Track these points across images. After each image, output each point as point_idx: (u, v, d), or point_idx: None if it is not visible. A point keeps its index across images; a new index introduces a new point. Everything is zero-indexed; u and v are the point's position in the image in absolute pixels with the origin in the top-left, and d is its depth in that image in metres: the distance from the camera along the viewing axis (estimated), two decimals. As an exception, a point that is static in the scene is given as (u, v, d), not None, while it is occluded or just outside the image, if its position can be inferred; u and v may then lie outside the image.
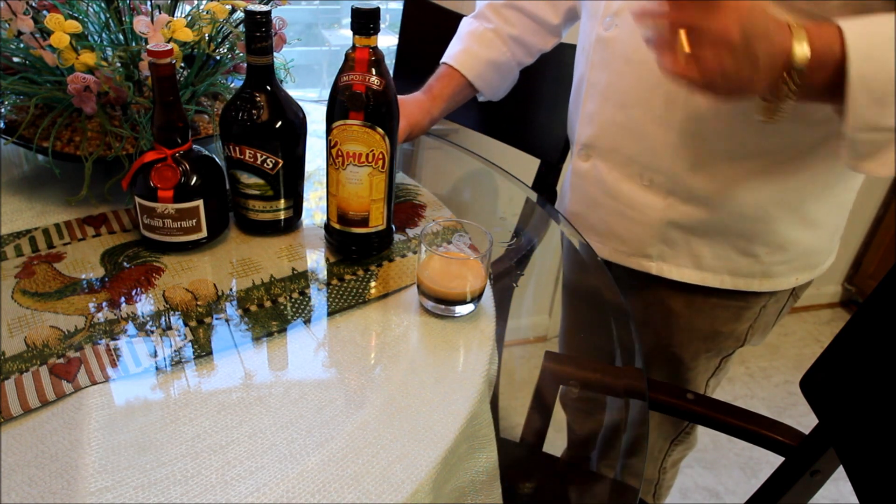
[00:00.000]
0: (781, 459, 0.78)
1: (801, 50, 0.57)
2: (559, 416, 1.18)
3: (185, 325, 0.63)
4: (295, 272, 0.72)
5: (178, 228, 0.70)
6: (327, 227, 0.75)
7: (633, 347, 0.78)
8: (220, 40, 0.84)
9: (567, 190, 0.96)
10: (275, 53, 0.76)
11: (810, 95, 0.61)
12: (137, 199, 0.69)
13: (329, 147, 0.69)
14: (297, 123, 0.73)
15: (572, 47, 0.97)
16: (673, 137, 0.77)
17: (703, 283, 0.86)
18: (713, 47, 0.56)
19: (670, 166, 0.79)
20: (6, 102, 0.81)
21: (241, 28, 0.82)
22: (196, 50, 0.80)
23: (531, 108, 1.21)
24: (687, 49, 0.57)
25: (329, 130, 0.68)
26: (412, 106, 0.92)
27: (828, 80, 0.59)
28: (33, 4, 0.76)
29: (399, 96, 0.83)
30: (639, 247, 0.87)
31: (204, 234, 0.72)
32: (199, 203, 0.70)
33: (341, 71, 0.66)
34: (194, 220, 0.70)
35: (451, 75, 0.97)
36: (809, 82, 0.59)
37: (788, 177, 0.76)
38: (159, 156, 0.68)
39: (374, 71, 0.65)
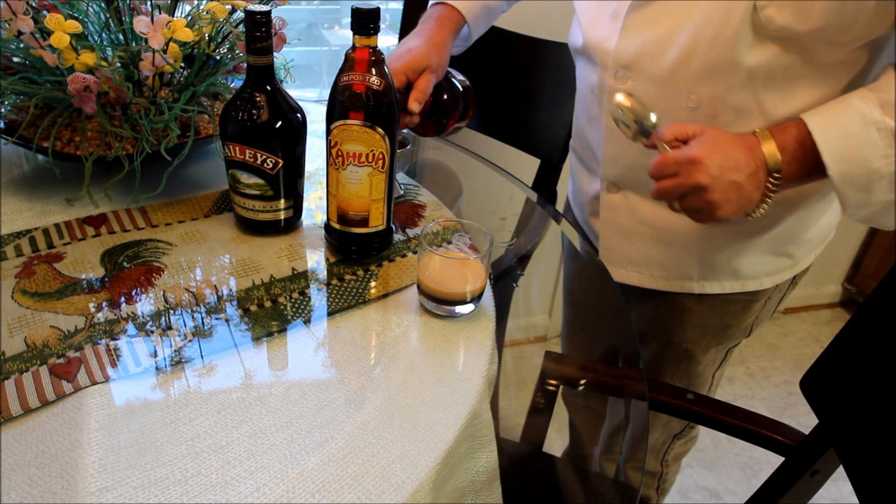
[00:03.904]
0: (781, 459, 0.78)
1: (772, 151, 0.67)
2: (559, 416, 1.18)
3: (185, 325, 0.63)
4: (295, 272, 0.72)
5: (445, 135, 0.92)
6: (327, 227, 0.76)
7: (634, 347, 0.78)
8: (220, 40, 0.85)
9: (592, 219, 0.95)
10: (275, 53, 0.76)
11: (796, 181, 0.69)
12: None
13: (329, 147, 0.69)
14: (297, 123, 0.73)
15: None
16: None
17: (744, 290, 0.87)
18: (696, 198, 0.67)
19: None
20: (6, 102, 0.81)
21: (241, 28, 0.82)
22: (196, 50, 0.80)
23: (531, 108, 1.20)
24: (679, 210, 0.70)
25: (329, 130, 0.68)
26: (431, 48, 0.85)
27: (807, 167, 0.67)
28: (33, 4, 0.76)
29: (406, 46, 0.82)
30: (680, 270, 0.87)
31: (462, 126, 0.92)
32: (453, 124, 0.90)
33: (341, 71, 0.66)
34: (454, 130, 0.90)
35: (451, 17, 0.91)
36: (789, 175, 0.68)
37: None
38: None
39: (374, 71, 0.65)
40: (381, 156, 0.68)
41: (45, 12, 0.74)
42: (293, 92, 0.76)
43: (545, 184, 1.22)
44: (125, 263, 0.71)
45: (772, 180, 0.68)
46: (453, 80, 0.91)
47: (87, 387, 0.55)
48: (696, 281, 0.87)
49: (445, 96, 0.89)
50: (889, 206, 0.67)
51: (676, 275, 0.88)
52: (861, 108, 0.65)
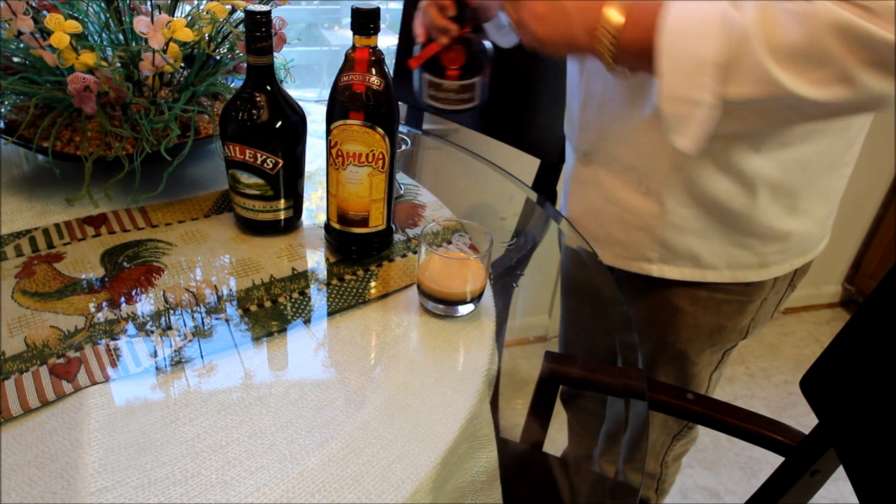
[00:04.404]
0: (781, 459, 0.78)
1: (613, 13, 0.65)
2: (559, 416, 1.18)
3: (185, 325, 0.63)
4: (295, 272, 0.72)
5: (458, 100, 0.87)
6: (327, 227, 0.76)
7: (634, 346, 0.78)
8: (220, 40, 0.85)
9: (567, 195, 0.96)
10: (275, 53, 0.76)
11: (630, 60, 0.67)
12: (426, 75, 0.85)
13: (329, 147, 0.69)
14: (296, 123, 0.73)
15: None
16: (667, 143, 0.78)
17: (704, 280, 0.86)
18: (524, 6, 0.68)
19: (666, 172, 0.80)
20: (6, 102, 0.81)
21: (241, 28, 0.82)
22: (196, 50, 0.80)
23: (531, 108, 1.21)
24: (513, 16, 0.71)
25: (329, 130, 0.68)
26: None
27: (644, 48, 0.64)
28: (33, 4, 0.76)
29: None
30: (639, 251, 0.88)
31: (477, 102, 0.87)
32: (476, 80, 0.85)
33: (341, 71, 0.66)
34: (471, 94, 0.87)
35: None
36: (624, 45, 0.65)
37: (778, 173, 0.77)
38: (448, 42, 0.82)
39: (374, 71, 0.65)
40: (381, 156, 0.68)
41: (45, 12, 0.74)
42: (293, 92, 0.76)
43: (545, 184, 1.22)
44: (125, 263, 0.71)
45: (608, 35, 0.66)
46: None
47: (87, 387, 0.55)
48: (655, 263, 0.87)
49: (484, 41, 0.88)
50: (704, 114, 0.63)
51: (636, 255, 0.88)
52: None
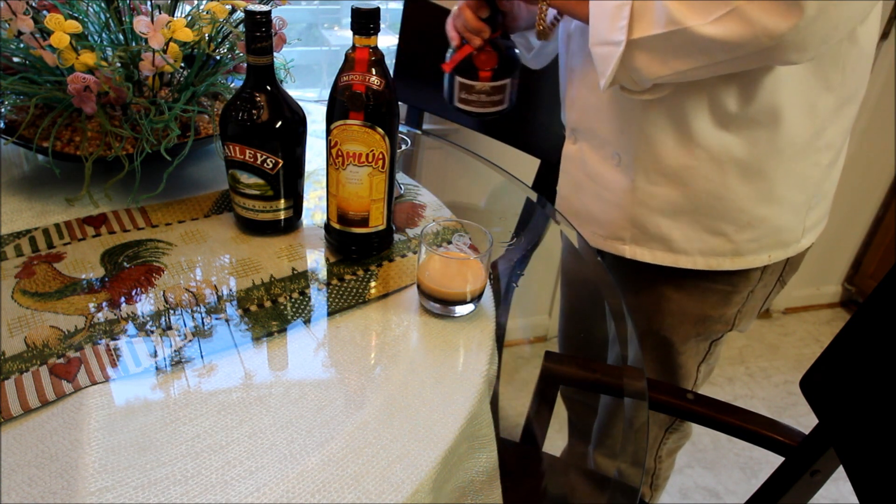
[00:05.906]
0: (781, 459, 0.78)
1: None
2: (559, 416, 1.18)
3: (185, 325, 0.63)
4: (295, 272, 0.72)
5: (489, 102, 0.88)
6: (327, 227, 0.76)
7: (632, 344, 0.78)
8: (220, 40, 0.85)
9: (559, 173, 0.98)
10: (275, 53, 0.76)
11: (566, 7, 0.76)
12: (458, 78, 0.86)
13: (329, 147, 0.69)
14: (296, 123, 0.73)
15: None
16: (636, 115, 0.80)
17: (677, 265, 0.87)
18: None
19: (634, 144, 0.81)
20: (6, 102, 0.81)
21: (241, 28, 0.82)
22: (196, 50, 0.80)
23: (531, 108, 1.20)
24: None
25: (329, 130, 0.68)
26: None
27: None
28: (33, 4, 0.76)
29: None
30: (613, 230, 0.89)
31: (506, 105, 0.88)
32: (507, 81, 0.86)
33: (341, 71, 0.66)
34: (501, 96, 0.87)
35: None
36: None
37: (747, 153, 0.77)
38: (480, 44, 0.83)
39: (374, 71, 0.65)
40: (381, 156, 0.68)
41: (45, 12, 0.74)
42: (293, 92, 0.76)
43: (545, 184, 1.21)
44: (125, 263, 0.71)
45: None
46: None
47: (87, 387, 0.55)
48: (627, 244, 0.88)
49: (513, 47, 0.90)
50: (614, 56, 0.70)
51: (610, 234, 0.89)
52: None
